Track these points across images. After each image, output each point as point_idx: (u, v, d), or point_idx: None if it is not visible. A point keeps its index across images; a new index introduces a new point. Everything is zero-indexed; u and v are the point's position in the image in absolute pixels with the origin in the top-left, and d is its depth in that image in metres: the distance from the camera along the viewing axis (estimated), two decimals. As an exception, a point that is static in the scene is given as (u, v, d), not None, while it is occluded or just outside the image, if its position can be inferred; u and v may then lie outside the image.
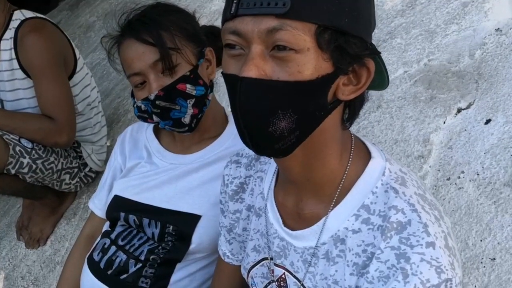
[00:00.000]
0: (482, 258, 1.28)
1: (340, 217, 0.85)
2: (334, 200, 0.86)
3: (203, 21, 1.33)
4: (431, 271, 0.74)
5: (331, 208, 0.86)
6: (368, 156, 0.88)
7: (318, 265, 0.89)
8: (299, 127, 0.75)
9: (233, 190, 1.07)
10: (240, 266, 1.13)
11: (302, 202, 0.91)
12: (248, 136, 0.77)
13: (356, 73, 0.78)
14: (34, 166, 1.82)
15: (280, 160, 0.85)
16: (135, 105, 1.24)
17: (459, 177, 1.44)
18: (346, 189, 0.86)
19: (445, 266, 0.75)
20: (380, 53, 0.79)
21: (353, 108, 0.84)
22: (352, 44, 0.74)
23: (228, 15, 0.74)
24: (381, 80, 0.84)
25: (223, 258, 1.15)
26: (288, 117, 0.73)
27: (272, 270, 0.99)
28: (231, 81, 0.75)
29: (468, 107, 1.59)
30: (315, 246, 0.88)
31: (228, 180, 1.09)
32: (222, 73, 0.80)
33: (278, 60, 0.72)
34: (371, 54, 0.77)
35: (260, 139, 0.76)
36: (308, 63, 0.72)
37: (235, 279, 1.16)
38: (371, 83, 0.80)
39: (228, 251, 1.14)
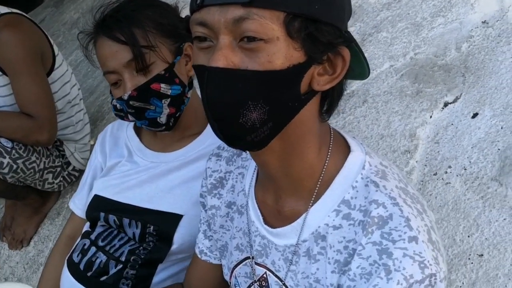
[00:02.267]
0: (470, 254, 1.26)
1: (320, 213, 0.83)
2: (313, 196, 0.84)
3: (185, 13, 1.30)
4: (414, 266, 0.72)
5: (311, 204, 0.84)
6: (347, 149, 0.86)
7: (299, 263, 0.87)
8: (272, 118, 0.73)
9: (212, 183, 1.04)
10: (217, 265, 1.10)
11: (281, 199, 0.89)
12: (219, 128, 0.75)
13: (332, 62, 0.76)
14: (14, 166, 1.77)
15: (257, 155, 0.82)
16: (112, 103, 1.21)
17: (446, 172, 1.42)
18: (326, 184, 0.83)
19: (428, 261, 0.73)
20: (354, 40, 0.77)
21: (331, 99, 0.82)
22: (324, 32, 0.72)
23: (194, 6, 0.72)
24: (361, 69, 0.82)
25: (199, 256, 1.12)
26: (259, 108, 0.71)
27: (254, 270, 0.97)
28: (200, 72, 0.73)
29: (455, 101, 1.57)
30: (296, 244, 0.86)
31: (208, 173, 1.06)
32: (192, 65, 0.78)
33: (247, 51, 0.70)
34: (345, 42, 0.75)
35: (231, 131, 0.74)
36: (278, 52, 0.70)
37: (210, 279, 1.13)
38: (351, 72, 0.78)
39: (206, 248, 1.11)
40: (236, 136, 0.75)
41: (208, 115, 0.74)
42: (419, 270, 0.72)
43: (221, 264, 1.10)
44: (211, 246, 1.10)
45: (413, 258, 0.73)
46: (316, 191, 0.84)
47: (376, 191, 0.79)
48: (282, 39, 0.69)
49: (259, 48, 0.69)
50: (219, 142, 1.27)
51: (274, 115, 0.73)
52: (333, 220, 0.82)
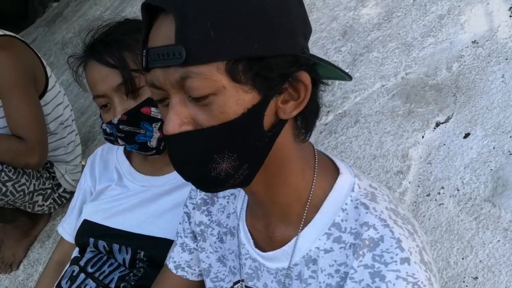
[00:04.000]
0: (464, 277, 1.24)
1: (311, 237, 0.82)
2: (303, 220, 0.83)
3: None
4: None
5: (301, 228, 0.84)
6: (336, 172, 0.85)
7: (292, 286, 0.86)
8: (244, 161, 0.72)
9: (203, 199, 1.03)
10: (193, 282, 1.08)
11: (271, 225, 0.88)
12: (195, 185, 0.77)
13: (294, 87, 0.74)
14: (3, 189, 1.75)
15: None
16: (101, 127, 1.20)
17: (439, 193, 1.41)
18: (315, 208, 0.83)
19: (422, 282, 0.72)
20: (314, 59, 0.74)
21: (305, 120, 0.79)
22: (273, 67, 0.69)
23: (143, 68, 0.73)
24: (339, 76, 0.81)
25: (174, 270, 1.08)
26: (227, 157, 0.71)
27: None
28: (164, 140, 0.76)
29: (446, 120, 1.57)
30: (288, 267, 0.85)
31: None
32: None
33: (199, 105, 0.70)
34: (300, 67, 0.72)
35: (208, 184, 0.76)
36: (228, 100, 0.68)
37: None
38: (336, 75, 0.78)
39: (184, 262, 1.07)
40: (216, 186, 0.76)
41: (181, 176, 0.76)
42: None
43: (196, 282, 1.08)
44: (190, 260, 1.07)
45: (407, 280, 0.71)
46: (305, 215, 0.83)
47: (366, 213, 0.78)
48: (228, 86, 0.68)
49: (209, 101, 0.68)
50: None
51: (245, 158, 0.72)
52: (324, 243, 0.81)
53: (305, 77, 0.73)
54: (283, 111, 0.74)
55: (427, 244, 0.81)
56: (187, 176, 0.75)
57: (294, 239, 0.84)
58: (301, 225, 0.84)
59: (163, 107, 0.75)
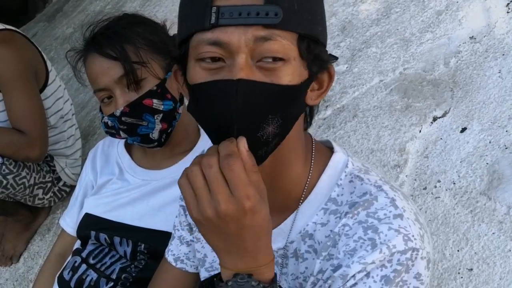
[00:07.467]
0: (459, 269, 1.26)
1: (307, 214, 0.86)
2: (300, 202, 0.86)
3: (174, 31, 1.30)
4: (399, 238, 0.75)
5: (299, 207, 0.87)
6: (330, 152, 0.89)
7: (288, 265, 0.89)
8: (280, 132, 0.75)
9: None
10: (191, 274, 1.09)
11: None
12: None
13: (318, 79, 0.80)
14: (4, 182, 1.76)
15: None
16: (102, 121, 1.21)
17: (435, 187, 1.43)
18: (311, 187, 0.86)
19: (413, 235, 0.75)
20: (337, 58, 0.82)
21: (311, 112, 0.87)
22: (323, 52, 0.77)
23: (206, 25, 0.70)
24: None
25: (174, 263, 1.09)
26: (275, 122, 0.73)
27: None
28: (222, 85, 0.70)
29: (443, 115, 1.59)
30: (284, 246, 0.88)
31: None
32: (194, 84, 0.74)
33: (266, 70, 0.71)
34: (333, 60, 0.80)
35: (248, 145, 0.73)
36: (295, 71, 0.72)
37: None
38: None
39: (183, 255, 1.09)
40: (251, 149, 0.73)
41: (228, 128, 0.71)
42: (402, 242, 0.75)
43: (195, 274, 1.09)
44: (189, 252, 1.09)
45: (398, 231, 0.75)
46: (302, 199, 0.86)
47: (361, 184, 0.82)
48: (297, 58, 0.72)
49: (279, 68, 0.71)
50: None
51: (283, 128, 0.74)
52: (321, 218, 0.84)
53: (333, 69, 0.80)
54: (310, 98, 0.79)
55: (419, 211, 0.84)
56: (240, 127, 0.70)
57: (292, 216, 0.87)
58: (299, 205, 0.87)
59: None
